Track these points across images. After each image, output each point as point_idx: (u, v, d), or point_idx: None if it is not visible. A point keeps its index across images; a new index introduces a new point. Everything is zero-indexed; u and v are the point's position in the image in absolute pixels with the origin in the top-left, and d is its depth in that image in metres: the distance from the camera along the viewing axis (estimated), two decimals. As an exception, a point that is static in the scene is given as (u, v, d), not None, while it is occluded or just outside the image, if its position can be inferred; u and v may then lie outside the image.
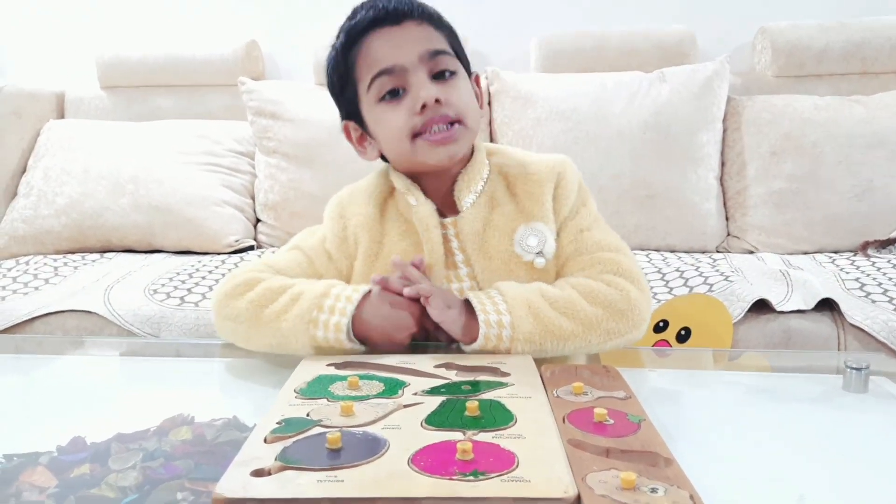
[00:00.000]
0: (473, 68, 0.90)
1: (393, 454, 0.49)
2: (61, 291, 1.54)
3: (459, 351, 0.76)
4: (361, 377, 0.65)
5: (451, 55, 0.84)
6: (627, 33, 2.05)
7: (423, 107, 0.80)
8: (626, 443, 0.52)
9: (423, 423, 0.55)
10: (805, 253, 1.74)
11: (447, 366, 0.69)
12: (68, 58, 2.30)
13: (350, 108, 0.88)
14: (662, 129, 1.81)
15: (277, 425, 0.54)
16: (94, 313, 1.43)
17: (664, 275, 1.52)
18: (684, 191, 1.80)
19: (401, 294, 0.77)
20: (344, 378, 0.65)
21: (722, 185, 1.88)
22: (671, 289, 1.45)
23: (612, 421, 0.55)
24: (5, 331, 1.41)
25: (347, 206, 0.90)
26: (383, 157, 0.90)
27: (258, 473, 0.47)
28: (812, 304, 1.32)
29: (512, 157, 0.89)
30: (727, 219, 1.86)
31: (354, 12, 0.84)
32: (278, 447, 0.50)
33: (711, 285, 1.43)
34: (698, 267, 1.56)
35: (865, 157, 1.74)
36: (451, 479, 0.46)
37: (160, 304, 1.45)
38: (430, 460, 0.48)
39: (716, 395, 0.73)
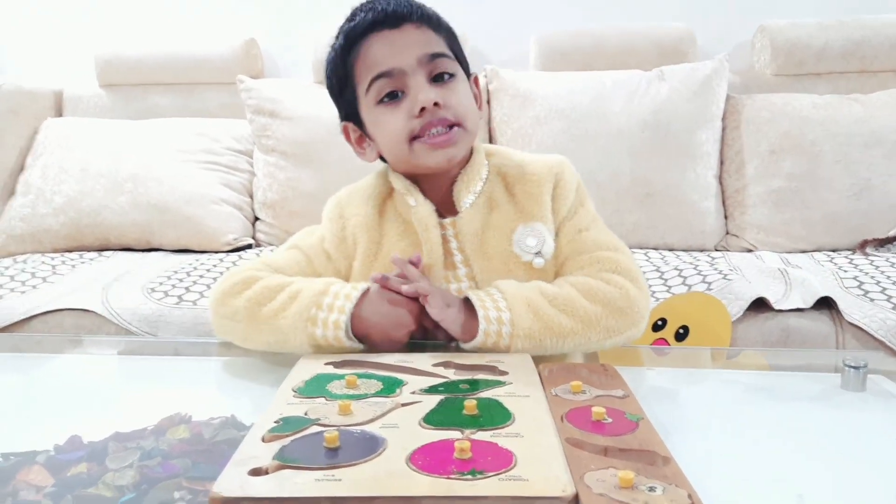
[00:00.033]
0: (472, 66, 0.90)
1: (391, 453, 0.49)
2: (59, 290, 1.54)
3: (458, 349, 0.76)
4: (359, 376, 0.65)
5: (449, 58, 0.84)
6: (626, 32, 2.05)
7: (422, 110, 0.80)
8: (625, 441, 0.52)
9: (422, 422, 0.55)
10: (803, 251, 1.75)
11: (445, 364, 0.69)
12: (67, 56, 2.29)
13: (349, 110, 0.88)
14: (661, 128, 1.81)
15: (275, 424, 0.54)
16: (92, 312, 1.43)
17: (663, 273, 1.52)
18: (683, 189, 1.80)
19: (400, 292, 0.77)
20: (342, 377, 0.65)
21: (721, 183, 1.88)
22: (669, 287, 1.45)
23: (610, 420, 0.55)
24: (3, 329, 1.41)
25: (346, 207, 0.90)
26: (382, 158, 0.90)
27: (256, 472, 0.47)
28: (810, 303, 1.32)
29: (510, 157, 0.90)
30: (726, 217, 1.86)
31: (353, 14, 0.84)
32: (276, 446, 0.50)
33: (710, 284, 1.43)
34: (697, 265, 1.56)
35: (864, 155, 1.74)
36: (448, 477, 0.45)
37: (158, 302, 1.45)
38: (428, 459, 0.48)
39: (714, 394, 0.73)
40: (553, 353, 0.75)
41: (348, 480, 0.45)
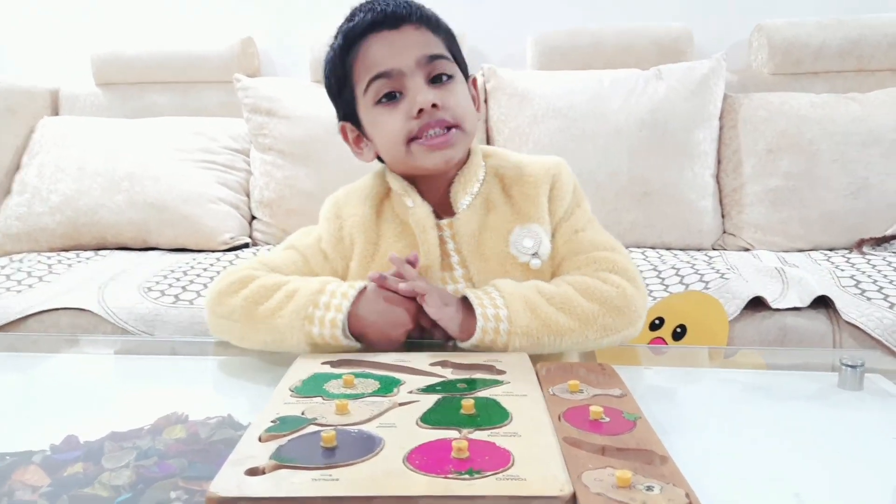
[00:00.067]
0: (470, 65, 0.90)
1: (388, 453, 0.49)
2: (55, 289, 1.54)
3: (456, 348, 0.76)
4: (356, 375, 0.65)
5: (448, 59, 0.84)
6: (624, 31, 2.05)
7: (420, 111, 0.80)
8: (622, 441, 0.52)
9: (419, 422, 0.55)
10: (800, 250, 1.75)
11: (443, 364, 0.69)
12: (63, 54, 2.29)
13: (347, 110, 0.88)
14: (659, 127, 1.81)
15: (272, 424, 0.54)
16: (89, 311, 1.43)
17: (660, 272, 1.52)
18: (680, 188, 1.80)
19: (397, 291, 0.77)
20: (339, 376, 0.65)
21: (718, 182, 1.88)
22: (667, 286, 1.45)
23: (607, 419, 0.55)
24: (-1, 329, 1.41)
25: (343, 207, 0.90)
26: (379, 159, 0.90)
27: (252, 472, 0.46)
28: (807, 302, 1.33)
29: (508, 158, 0.90)
30: (723, 216, 1.87)
31: (353, 14, 0.84)
32: (273, 446, 0.50)
33: (707, 283, 1.43)
34: (694, 264, 1.56)
35: (861, 154, 1.74)
36: (446, 477, 0.45)
37: (155, 301, 1.45)
38: (426, 459, 0.48)
39: (711, 393, 0.73)
40: (550, 351, 0.75)
41: (345, 480, 0.45)
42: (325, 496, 0.44)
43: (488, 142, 1.95)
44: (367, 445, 0.50)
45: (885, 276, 1.45)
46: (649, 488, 0.44)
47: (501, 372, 0.67)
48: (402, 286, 0.76)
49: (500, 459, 0.48)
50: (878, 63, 1.93)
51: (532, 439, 0.51)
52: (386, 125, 0.83)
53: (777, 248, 1.76)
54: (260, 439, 0.51)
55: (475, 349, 0.74)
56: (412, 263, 0.80)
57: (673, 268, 1.54)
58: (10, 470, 0.52)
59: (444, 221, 0.86)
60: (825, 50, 1.93)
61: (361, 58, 0.83)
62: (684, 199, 1.80)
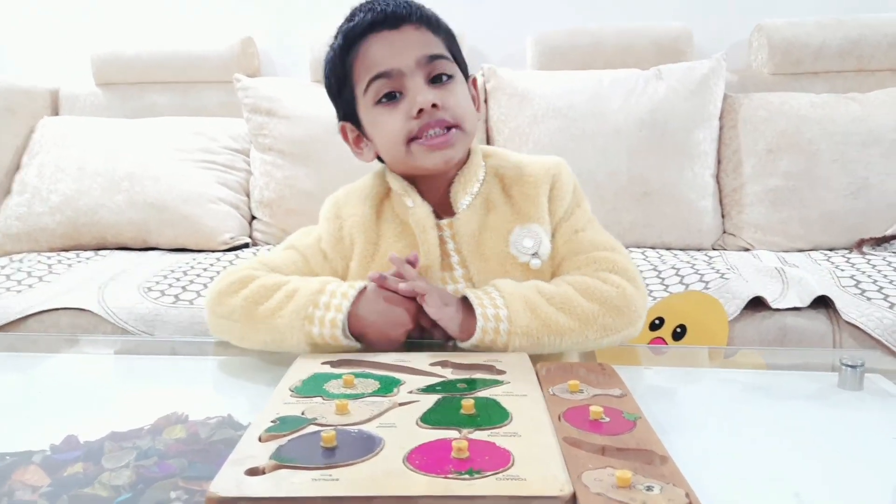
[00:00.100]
0: (470, 65, 0.90)
1: (388, 453, 0.49)
2: (55, 289, 1.54)
3: (456, 348, 0.76)
4: (356, 375, 0.65)
5: (448, 59, 0.84)
6: (624, 30, 2.05)
7: (420, 111, 0.80)
8: (622, 441, 0.52)
9: (419, 422, 0.55)
10: (800, 250, 1.75)
11: (443, 364, 0.69)
12: (63, 54, 2.29)
13: (347, 109, 0.88)
14: (659, 127, 1.81)
15: (272, 424, 0.54)
16: (89, 311, 1.43)
17: (660, 272, 1.52)
18: (680, 188, 1.80)
19: (397, 291, 0.77)
20: (339, 376, 0.65)
21: (718, 182, 1.88)
22: (667, 286, 1.45)
23: (607, 419, 0.55)
24: (-1, 328, 1.41)
25: (343, 207, 0.90)
26: (380, 159, 0.90)
27: (252, 472, 0.46)
28: (807, 302, 1.32)
29: (508, 158, 0.90)
30: (723, 216, 1.87)
31: (353, 14, 0.84)
32: (273, 446, 0.50)
33: (707, 283, 1.43)
34: (694, 264, 1.56)
35: (861, 154, 1.74)
36: (446, 477, 0.45)
37: (155, 301, 1.45)
38: (426, 459, 0.48)
39: (711, 393, 0.73)
40: (550, 351, 0.75)
41: (345, 480, 0.45)
42: (325, 496, 0.44)
43: (488, 142, 1.95)
44: (367, 445, 0.50)
45: (885, 276, 1.45)
46: (649, 488, 0.44)
47: (501, 372, 0.67)
48: (401, 286, 0.76)
49: (500, 459, 0.48)
50: (877, 63, 1.93)
51: (532, 439, 0.51)
52: (386, 125, 0.83)
53: (777, 248, 1.76)
54: (260, 439, 0.51)
55: (475, 349, 0.74)
56: (412, 263, 0.80)
57: (673, 268, 1.54)
58: (9, 470, 0.52)
59: (444, 221, 0.86)
60: (825, 50, 1.93)
61: (361, 58, 0.83)
62: (684, 199, 1.80)
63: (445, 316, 0.75)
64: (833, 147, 1.75)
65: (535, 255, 0.83)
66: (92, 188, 1.85)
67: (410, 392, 0.62)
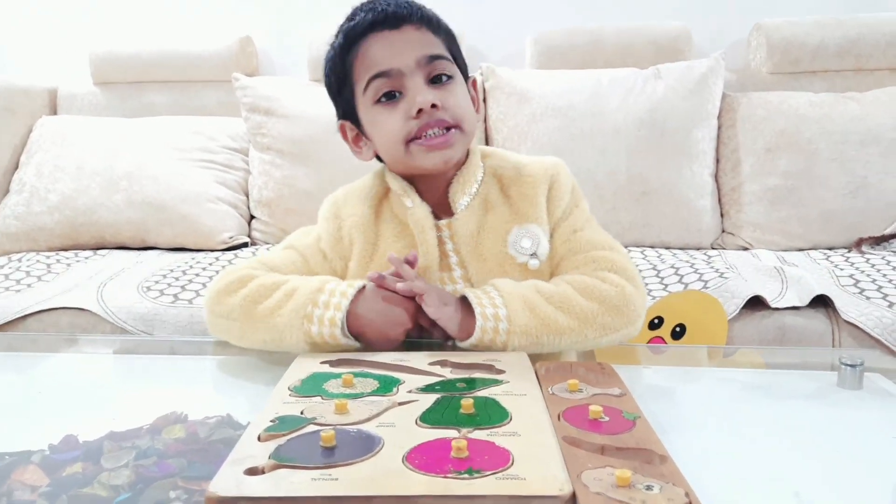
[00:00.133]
0: (469, 64, 0.90)
1: (387, 452, 0.49)
2: (54, 289, 1.54)
3: (455, 348, 0.76)
4: (356, 375, 0.65)
5: (448, 60, 0.84)
6: (623, 30, 2.05)
7: (419, 111, 0.80)
8: (622, 440, 0.52)
9: (418, 421, 0.55)
10: (799, 249, 1.75)
11: (442, 363, 0.69)
12: (61, 53, 2.29)
13: (346, 108, 0.88)
14: (658, 126, 1.81)
15: (271, 423, 0.54)
16: (88, 311, 1.42)
17: (659, 271, 1.52)
18: (679, 187, 1.80)
19: (395, 291, 0.77)
20: (338, 376, 0.65)
21: (717, 181, 1.88)
22: (666, 285, 1.45)
23: (607, 418, 0.55)
24: (-2, 328, 1.41)
25: (342, 207, 0.90)
26: (379, 158, 0.90)
27: (252, 472, 0.46)
28: (806, 301, 1.33)
29: (506, 159, 0.90)
30: (722, 215, 1.87)
31: (354, 13, 0.84)
32: (272, 445, 0.50)
33: (706, 282, 1.43)
34: (693, 264, 1.56)
35: (860, 153, 1.74)
36: (445, 477, 0.45)
37: (154, 301, 1.45)
38: (425, 458, 0.48)
39: (711, 392, 0.73)
40: (550, 350, 0.75)
41: (345, 480, 0.45)
42: (324, 496, 0.44)
43: (487, 141, 1.95)
44: (366, 445, 0.50)
45: (884, 275, 1.45)
46: (649, 487, 0.44)
47: (501, 371, 0.67)
48: (399, 286, 0.76)
49: (499, 459, 0.48)
50: (876, 62, 1.93)
51: (531, 439, 0.51)
52: (385, 124, 0.83)
53: (776, 248, 1.76)
54: (259, 439, 0.51)
55: (474, 348, 0.74)
56: (411, 263, 0.80)
57: (672, 267, 1.54)
58: (9, 470, 0.52)
59: (443, 222, 0.86)
60: (823, 49, 1.93)
61: (361, 57, 0.83)
62: (683, 199, 1.80)
63: (444, 315, 0.75)
64: (832, 146, 1.76)
65: (533, 255, 0.83)
66: (90, 187, 1.85)
67: (410, 391, 0.62)
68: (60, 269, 1.68)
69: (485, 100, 1.96)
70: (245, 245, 1.90)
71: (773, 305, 1.32)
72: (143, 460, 0.53)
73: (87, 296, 1.47)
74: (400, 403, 0.59)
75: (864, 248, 1.67)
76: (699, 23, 2.06)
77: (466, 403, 0.56)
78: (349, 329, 0.75)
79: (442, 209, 0.87)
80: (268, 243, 1.91)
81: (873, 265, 1.52)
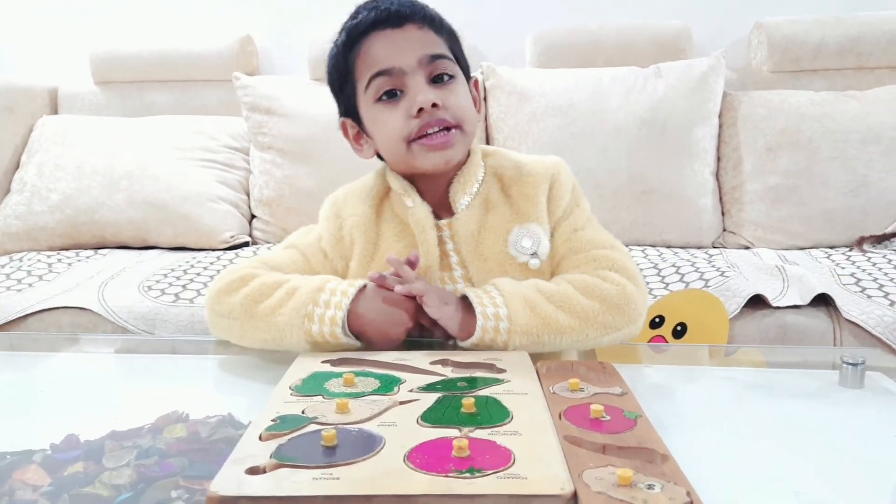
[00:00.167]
0: (469, 63, 0.90)
1: (388, 451, 0.49)
2: (55, 288, 1.54)
3: (456, 347, 0.76)
4: (357, 374, 0.65)
5: (450, 59, 0.84)
6: (623, 28, 2.04)
7: (420, 111, 0.80)
8: (623, 439, 0.52)
9: (419, 420, 0.55)
10: (801, 248, 1.75)
11: (443, 362, 0.69)
12: (62, 53, 2.28)
13: (348, 106, 0.88)
14: (658, 125, 1.81)
15: (272, 423, 0.54)
16: (89, 310, 1.43)
17: (660, 270, 1.52)
18: (680, 186, 1.80)
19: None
20: (339, 375, 0.65)
21: (718, 180, 1.88)
22: (667, 284, 1.45)
23: (608, 417, 0.55)
24: (-1, 328, 1.41)
25: (343, 207, 0.90)
26: (379, 157, 0.90)
27: (253, 471, 0.46)
28: (808, 300, 1.32)
29: (507, 158, 0.90)
30: (723, 214, 1.87)
31: (357, 11, 0.85)
32: (273, 445, 0.50)
33: (707, 281, 1.43)
34: (694, 262, 1.56)
35: (861, 152, 1.74)
36: (447, 476, 0.45)
37: (155, 300, 1.45)
38: (426, 457, 0.48)
39: (712, 391, 0.73)
40: (551, 349, 0.75)
41: (346, 479, 0.45)
42: (325, 495, 0.44)
43: (488, 140, 1.95)
44: (367, 444, 0.50)
45: (886, 273, 1.45)
46: (650, 487, 0.44)
47: (502, 370, 0.67)
48: (398, 288, 0.76)
49: (500, 458, 0.48)
50: (877, 60, 1.93)
51: (533, 438, 0.51)
52: (386, 123, 0.83)
53: (777, 246, 1.76)
54: (260, 438, 0.51)
55: (475, 348, 0.74)
56: (412, 264, 0.80)
57: (673, 266, 1.54)
58: (10, 469, 0.52)
59: (444, 221, 0.86)
60: (824, 47, 1.93)
61: (363, 55, 0.83)
62: (684, 197, 1.80)
63: (445, 315, 0.75)
64: (833, 145, 1.75)
65: (533, 254, 0.83)
66: (91, 187, 1.85)
67: (411, 391, 0.62)
68: (61, 268, 1.68)
69: (485, 99, 1.96)
70: (246, 244, 1.90)
71: (775, 304, 1.32)
72: (144, 460, 0.53)
73: (89, 295, 1.47)
74: (401, 403, 0.59)
75: (865, 246, 1.67)
76: (700, 21, 2.06)
77: (467, 403, 0.56)
78: (350, 328, 0.75)
79: (442, 209, 0.87)
80: (269, 242, 1.91)
81: (874, 264, 1.52)
